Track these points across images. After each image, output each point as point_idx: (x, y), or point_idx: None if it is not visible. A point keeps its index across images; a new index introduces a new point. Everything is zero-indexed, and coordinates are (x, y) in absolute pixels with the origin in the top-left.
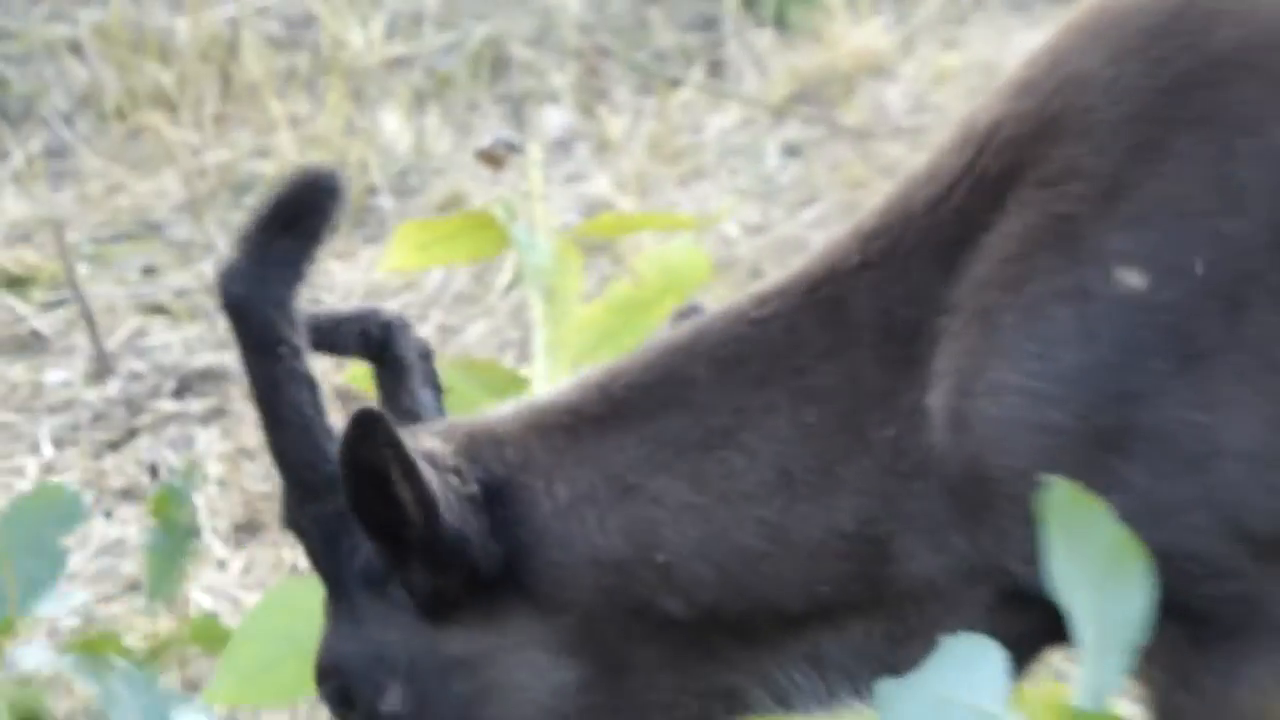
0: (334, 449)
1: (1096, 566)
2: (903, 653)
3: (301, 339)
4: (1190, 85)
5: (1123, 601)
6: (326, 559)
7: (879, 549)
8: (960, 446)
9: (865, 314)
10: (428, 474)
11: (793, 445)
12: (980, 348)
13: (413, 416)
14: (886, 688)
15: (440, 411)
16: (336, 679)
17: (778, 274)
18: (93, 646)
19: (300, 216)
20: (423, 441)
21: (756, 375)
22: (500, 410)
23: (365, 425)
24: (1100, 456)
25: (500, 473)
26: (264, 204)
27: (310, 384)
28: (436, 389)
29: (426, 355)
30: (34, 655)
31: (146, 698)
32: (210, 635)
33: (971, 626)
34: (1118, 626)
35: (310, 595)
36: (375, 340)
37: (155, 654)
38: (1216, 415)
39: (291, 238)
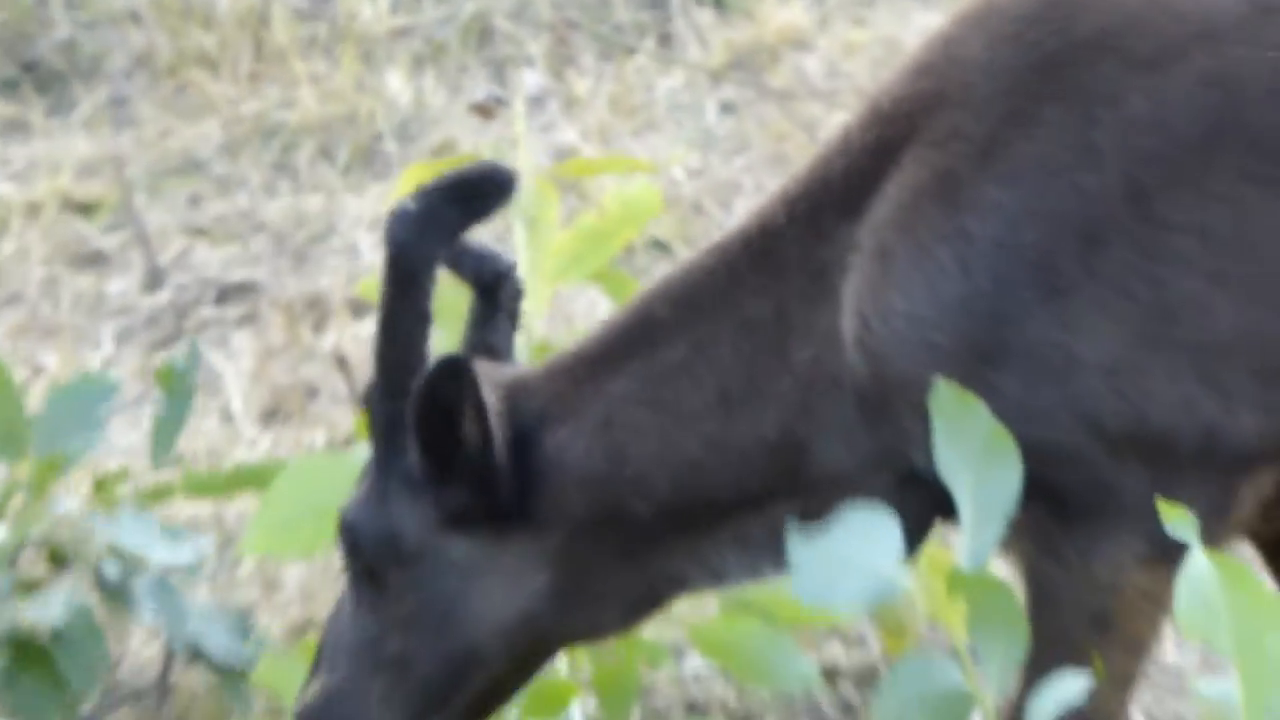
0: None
1: (975, 454)
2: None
3: (432, 286)
4: (1057, 65)
5: (996, 482)
6: (381, 444)
7: (799, 450)
8: (864, 361)
9: (790, 259)
10: (494, 422)
11: (731, 371)
12: (879, 280)
13: (486, 349)
14: (797, 549)
15: (510, 351)
16: (350, 539)
17: (723, 232)
18: (106, 486)
19: (472, 197)
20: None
21: (706, 314)
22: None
23: (452, 370)
24: (978, 369)
25: (524, 419)
26: (451, 175)
27: (424, 320)
28: (513, 332)
29: (516, 299)
30: (69, 501)
31: (146, 530)
32: (198, 486)
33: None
34: (993, 503)
35: (327, 469)
36: (487, 277)
37: (157, 495)
38: (1075, 335)
39: (459, 210)
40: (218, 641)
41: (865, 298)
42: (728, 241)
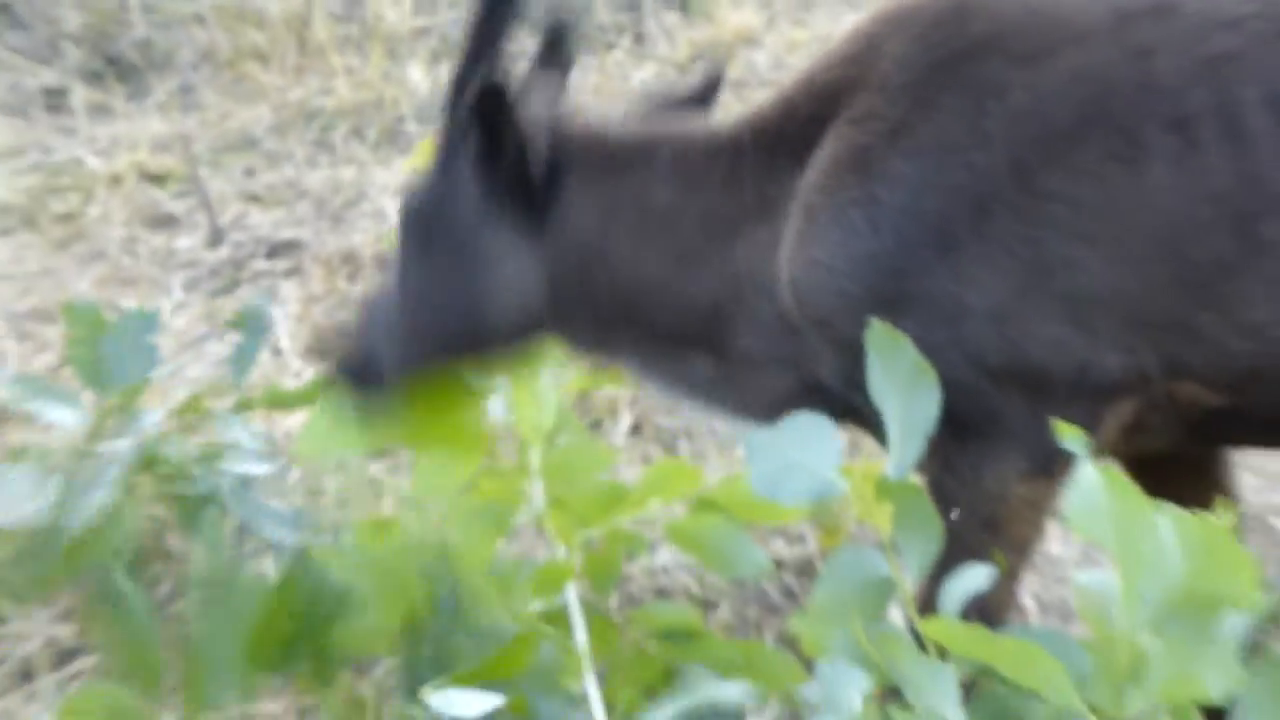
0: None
1: (902, 383)
2: (736, 394)
3: (510, 21)
4: (954, 61)
5: (919, 407)
6: (448, 134)
7: (725, 323)
8: (790, 296)
9: (747, 180)
10: (530, 131)
11: (693, 239)
12: (804, 232)
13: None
14: (753, 451)
15: (559, 98)
16: (409, 204)
17: (723, 124)
18: (195, 404)
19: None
20: (542, 110)
21: (692, 187)
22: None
23: (489, 96)
24: (883, 314)
25: (564, 156)
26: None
27: (501, 46)
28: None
29: (568, 66)
30: (152, 417)
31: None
32: (276, 400)
33: (780, 399)
34: (915, 423)
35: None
36: (555, 34)
37: (241, 407)
38: (965, 287)
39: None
40: (283, 533)
41: (794, 247)
42: (716, 138)
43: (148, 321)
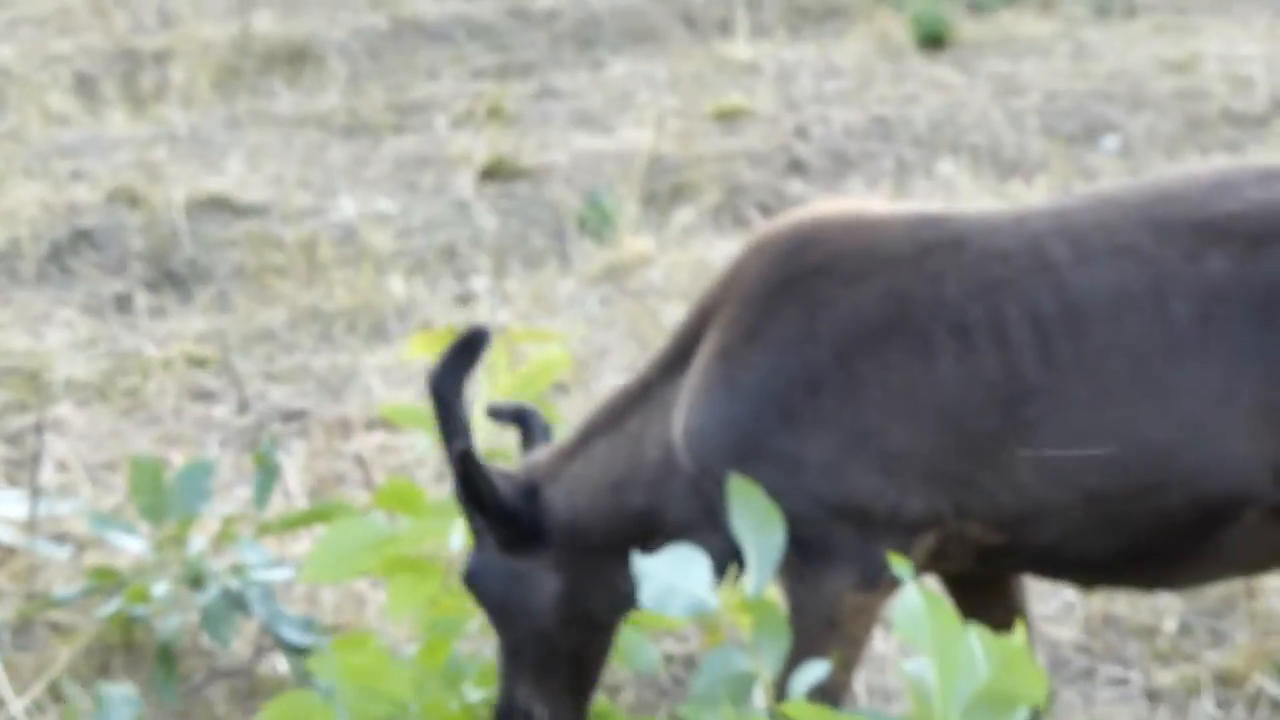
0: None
1: (755, 521)
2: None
3: (463, 408)
4: (796, 280)
5: (769, 542)
6: (470, 523)
7: (660, 513)
8: (683, 458)
9: (654, 398)
10: (498, 484)
11: (620, 465)
12: (687, 408)
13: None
14: (642, 574)
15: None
16: (469, 582)
17: (638, 372)
18: (228, 527)
19: (470, 349)
20: (504, 469)
21: (611, 430)
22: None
23: (465, 463)
24: (742, 465)
25: (533, 481)
26: (457, 339)
27: (466, 430)
28: (548, 436)
29: (547, 431)
30: (197, 542)
31: (258, 555)
32: (287, 523)
33: (708, 546)
34: (767, 554)
35: (356, 529)
36: (523, 423)
37: (262, 531)
38: (802, 446)
39: (465, 358)
40: (294, 635)
41: (680, 419)
42: (627, 389)
43: (205, 469)
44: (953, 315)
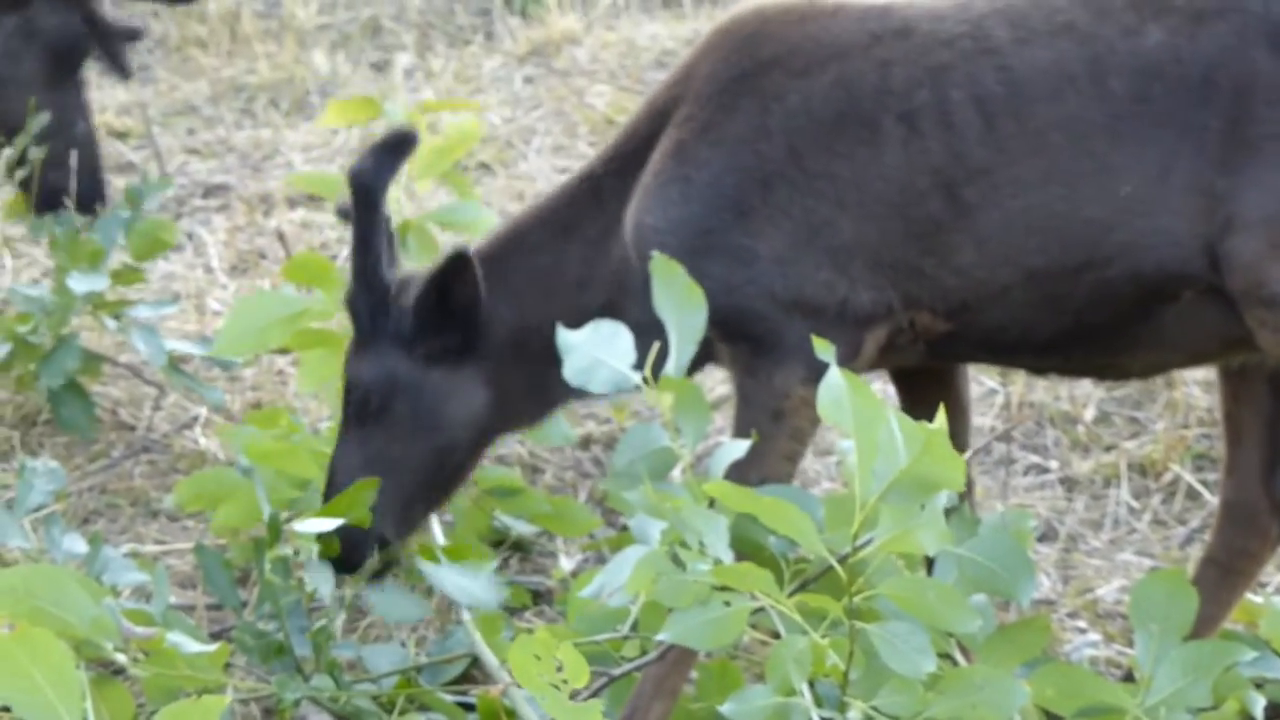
0: (390, 271)
1: (677, 301)
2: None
3: (384, 209)
4: (748, 75)
5: (690, 319)
6: (365, 322)
7: (619, 309)
8: (632, 250)
9: (608, 197)
10: (480, 295)
11: (578, 266)
12: (640, 205)
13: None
14: (563, 341)
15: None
16: (357, 385)
17: (579, 170)
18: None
19: (397, 146)
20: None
21: (563, 232)
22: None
23: (460, 264)
24: (695, 261)
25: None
26: (383, 136)
27: (386, 234)
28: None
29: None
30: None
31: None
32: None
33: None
34: (688, 331)
35: (269, 301)
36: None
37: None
38: (755, 240)
39: (392, 155)
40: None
41: (632, 216)
42: (572, 185)
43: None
44: (900, 102)
